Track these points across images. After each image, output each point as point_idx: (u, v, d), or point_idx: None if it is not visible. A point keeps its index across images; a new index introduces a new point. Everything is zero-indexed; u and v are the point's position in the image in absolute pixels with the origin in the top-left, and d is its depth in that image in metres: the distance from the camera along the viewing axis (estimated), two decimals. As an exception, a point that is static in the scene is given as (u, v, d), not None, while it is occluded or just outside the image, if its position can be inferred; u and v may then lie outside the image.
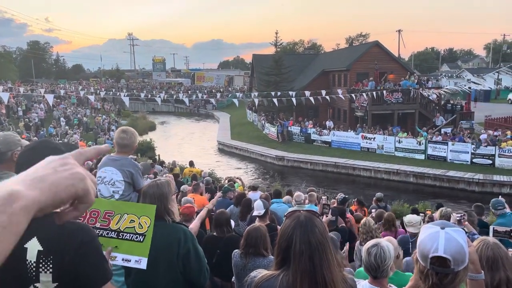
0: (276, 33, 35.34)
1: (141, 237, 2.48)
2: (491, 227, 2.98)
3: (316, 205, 7.91)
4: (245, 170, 25.14)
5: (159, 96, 28.68)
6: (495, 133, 21.54)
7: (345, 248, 4.50)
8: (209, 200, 8.50)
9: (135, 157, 16.10)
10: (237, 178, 13.87)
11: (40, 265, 1.68)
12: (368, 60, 29.36)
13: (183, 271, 2.78)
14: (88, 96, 26.95)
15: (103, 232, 2.50)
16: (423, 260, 1.71)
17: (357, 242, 5.46)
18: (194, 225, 4.46)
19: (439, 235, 1.67)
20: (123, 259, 2.50)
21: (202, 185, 9.25)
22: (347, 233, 5.80)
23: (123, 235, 2.49)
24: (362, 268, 3.48)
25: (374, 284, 2.77)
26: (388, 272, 2.83)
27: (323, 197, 9.20)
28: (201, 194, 8.70)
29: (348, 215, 7.65)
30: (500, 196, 6.53)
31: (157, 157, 21.01)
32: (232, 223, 4.62)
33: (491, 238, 2.46)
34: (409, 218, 5.58)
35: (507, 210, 5.99)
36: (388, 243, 2.92)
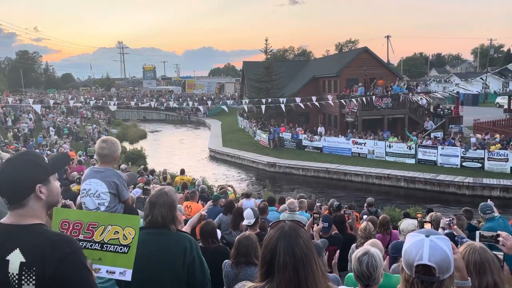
0: (266, 40, 35.51)
1: (125, 248, 2.44)
2: (477, 233, 2.99)
3: (306, 211, 7.90)
4: (237, 177, 25.08)
5: (149, 105, 28.53)
6: (485, 137, 21.77)
7: (336, 255, 4.47)
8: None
9: (123, 166, 15.95)
10: (229, 185, 13.81)
11: (23, 277, 1.67)
12: (357, 66, 29.59)
13: (187, 280, 2.75)
14: (78, 104, 26.64)
15: (86, 244, 2.46)
16: (408, 268, 1.69)
17: (353, 245, 5.46)
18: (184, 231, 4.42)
19: (424, 243, 1.65)
20: (107, 271, 2.47)
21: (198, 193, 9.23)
22: (341, 240, 5.76)
23: (107, 246, 2.45)
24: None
25: None
26: (379, 279, 2.80)
27: (317, 204, 9.19)
28: (198, 202, 8.68)
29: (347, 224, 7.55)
30: (489, 200, 6.56)
31: (147, 166, 20.85)
32: (219, 232, 4.56)
33: (477, 243, 2.45)
34: (403, 227, 5.56)
35: (496, 214, 6.02)
36: (376, 250, 2.90)
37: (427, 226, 4.83)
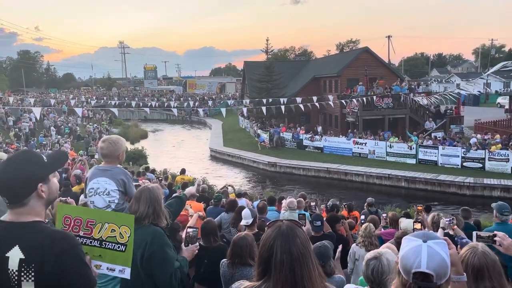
0: (267, 40, 35.51)
1: (122, 246, 2.47)
2: (474, 233, 2.97)
3: (305, 210, 7.91)
4: (237, 177, 25.08)
5: (150, 104, 28.49)
6: (485, 137, 21.74)
7: (336, 255, 4.46)
8: (204, 208, 8.48)
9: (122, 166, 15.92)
10: (229, 185, 13.81)
11: (22, 274, 1.69)
12: (358, 66, 29.57)
13: (149, 273, 2.78)
14: (75, 108, 26.73)
15: (86, 240, 2.49)
16: (406, 274, 1.67)
17: (353, 245, 5.47)
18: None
19: (422, 250, 1.63)
20: (107, 268, 2.51)
21: (197, 192, 9.22)
22: (335, 238, 5.78)
23: (105, 244, 2.48)
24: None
25: None
26: (386, 285, 2.72)
27: (311, 203, 9.18)
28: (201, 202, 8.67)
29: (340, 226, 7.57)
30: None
31: (149, 166, 20.84)
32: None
33: (480, 245, 2.37)
34: (404, 226, 5.57)
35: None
36: (391, 254, 2.81)
37: (417, 226, 4.83)
